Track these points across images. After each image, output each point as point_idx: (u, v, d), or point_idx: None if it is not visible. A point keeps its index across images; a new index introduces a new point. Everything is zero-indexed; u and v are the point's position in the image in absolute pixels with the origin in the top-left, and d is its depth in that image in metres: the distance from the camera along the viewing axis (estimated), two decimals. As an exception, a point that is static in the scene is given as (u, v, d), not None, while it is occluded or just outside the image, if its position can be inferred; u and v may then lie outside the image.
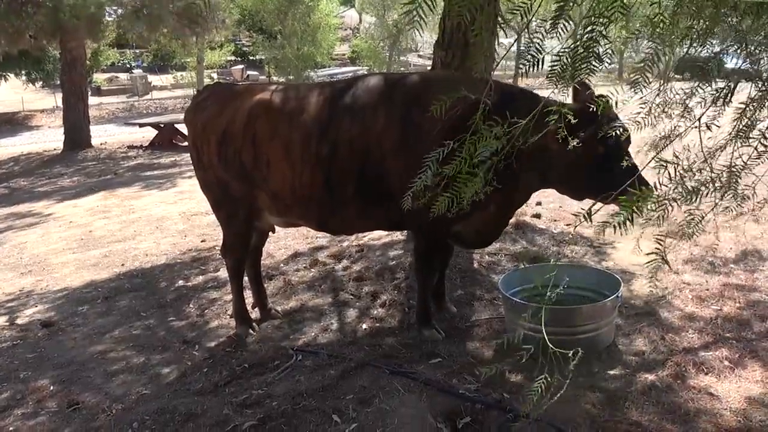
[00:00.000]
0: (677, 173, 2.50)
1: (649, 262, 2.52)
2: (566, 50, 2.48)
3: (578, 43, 2.44)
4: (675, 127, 2.70)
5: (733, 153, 2.60)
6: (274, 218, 4.38)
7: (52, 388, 4.01)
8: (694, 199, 2.53)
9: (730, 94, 2.59)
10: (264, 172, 4.07)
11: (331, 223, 4.23)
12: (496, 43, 5.17)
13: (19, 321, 5.23)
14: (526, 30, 2.57)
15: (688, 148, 2.64)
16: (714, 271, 4.92)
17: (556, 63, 2.54)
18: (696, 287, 4.62)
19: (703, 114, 2.61)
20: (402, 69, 29.42)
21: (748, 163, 2.58)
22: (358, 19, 39.70)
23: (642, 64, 2.57)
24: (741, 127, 2.57)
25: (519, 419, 3.17)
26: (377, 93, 3.94)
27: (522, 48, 2.59)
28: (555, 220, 6.30)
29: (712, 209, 2.74)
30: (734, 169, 2.57)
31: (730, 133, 2.59)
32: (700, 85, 2.62)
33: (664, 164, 2.49)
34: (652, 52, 2.52)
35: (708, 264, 5.04)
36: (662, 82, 2.71)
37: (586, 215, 2.42)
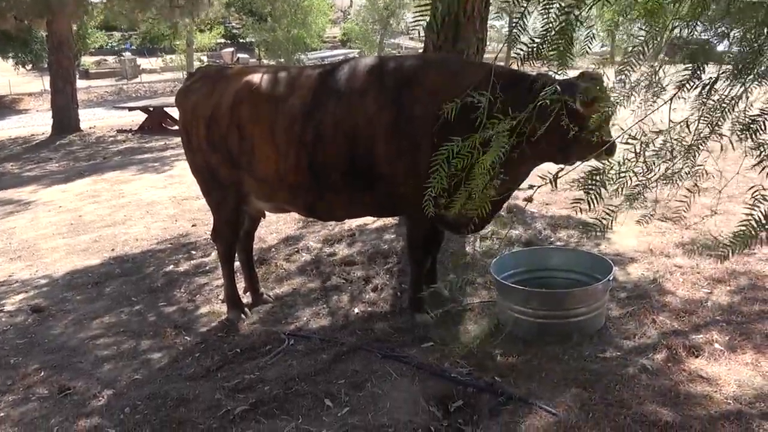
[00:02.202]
0: (639, 146, 2.56)
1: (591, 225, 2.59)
2: (541, 32, 2.52)
3: (551, 25, 2.46)
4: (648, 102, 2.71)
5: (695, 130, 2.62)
6: (261, 203, 4.34)
7: (42, 373, 3.99)
8: (650, 170, 2.59)
9: (713, 84, 2.59)
10: (249, 156, 4.03)
11: (318, 209, 4.20)
12: (486, 25, 5.16)
13: (8, 307, 5.19)
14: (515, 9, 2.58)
15: (653, 123, 2.67)
16: (705, 254, 4.92)
17: (532, 45, 2.57)
18: (687, 270, 4.63)
19: (674, 95, 2.62)
20: (393, 52, 29.27)
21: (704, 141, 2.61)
22: (349, 1, 39.41)
23: (633, 48, 2.57)
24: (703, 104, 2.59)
25: (510, 402, 3.19)
26: (367, 76, 3.89)
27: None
28: (547, 204, 6.29)
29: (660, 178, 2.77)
30: (693, 143, 2.59)
31: (694, 111, 2.60)
32: (696, 69, 2.62)
33: (630, 140, 2.55)
34: (643, 37, 2.53)
35: (700, 247, 5.05)
36: (654, 65, 2.71)
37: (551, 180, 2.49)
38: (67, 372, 3.99)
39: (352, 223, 6.05)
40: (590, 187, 2.63)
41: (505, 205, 5.57)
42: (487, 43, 5.45)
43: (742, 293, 4.25)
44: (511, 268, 4.25)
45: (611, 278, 3.87)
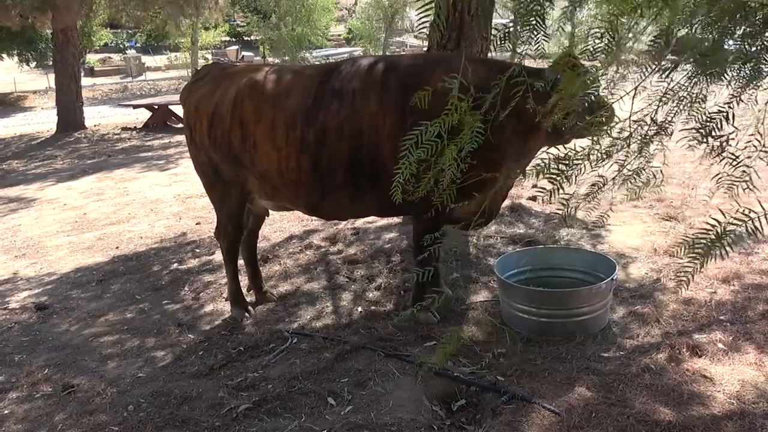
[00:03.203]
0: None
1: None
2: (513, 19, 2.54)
3: (522, 8, 2.47)
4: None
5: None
6: (264, 201, 4.35)
7: (46, 371, 4.00)
8: (604, 161, 2.58)
9: (671, 70, 2.55)
10: (251, 155, 4.04)
11: (321, 208, 4.20)
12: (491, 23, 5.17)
13: (12, 304, 5.21)
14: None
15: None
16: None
17: (500, 30, 2.59)
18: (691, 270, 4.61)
19: (638, 86, 2.60)
20: (398, 50, 29.25)
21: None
22: (354, -1, 39.33)
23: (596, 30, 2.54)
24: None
25: (513, 401, 3.19)
26: (371, 76, 3.88)
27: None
28: (550, 203, 6.28)
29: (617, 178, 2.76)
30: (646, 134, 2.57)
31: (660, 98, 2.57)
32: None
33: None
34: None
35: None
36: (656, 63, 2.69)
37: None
38: (71, 370, 4.01)
39: (356, 221, 6.05)
40: (553, 177, 2.64)
41: (507, 204, 5.58)
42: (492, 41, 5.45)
43: (746, 293, 4.24)
44: (514, 267, 4.25)
45: (614, 277, 3.86)
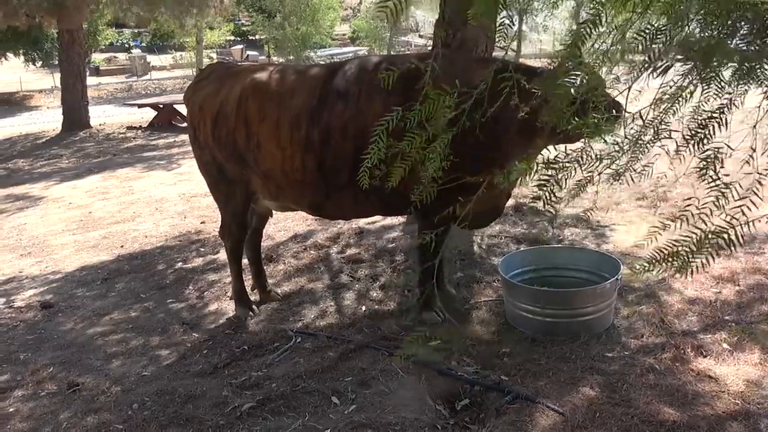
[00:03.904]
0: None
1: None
2: None
3: None
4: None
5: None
6: (268, 201, 4.35)
7: (51, 369, 4.01)
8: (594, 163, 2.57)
9: (665, 69, 2.52)
10: (255, 154, 4.04)
11: (325, 208, 4.19)
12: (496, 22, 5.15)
13: (18, 303, 5.23)
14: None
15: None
16: (715, 253, 4.88)
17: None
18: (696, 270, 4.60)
19: (633, 85, 2.58)
20: (403, 50, 29.25)
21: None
22: (358, -2, 39.32)
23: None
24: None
25: (517, 401, 3.19)
26: (374, 75, 3.88)
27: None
28: (554, 203, 6.27)
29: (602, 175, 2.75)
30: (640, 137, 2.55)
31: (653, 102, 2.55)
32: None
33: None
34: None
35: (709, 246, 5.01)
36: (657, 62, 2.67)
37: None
38: (76, 368, 4.02)
39: (360, 221, 6.06)
40: (544, 182, 2.64)
41: (512, 203, 5.57)
42: (496, 40, 5.44)
43: (751, 293, 4.22)
44: (518, 267, 4.25)
45: (619, 277, 3.86)
